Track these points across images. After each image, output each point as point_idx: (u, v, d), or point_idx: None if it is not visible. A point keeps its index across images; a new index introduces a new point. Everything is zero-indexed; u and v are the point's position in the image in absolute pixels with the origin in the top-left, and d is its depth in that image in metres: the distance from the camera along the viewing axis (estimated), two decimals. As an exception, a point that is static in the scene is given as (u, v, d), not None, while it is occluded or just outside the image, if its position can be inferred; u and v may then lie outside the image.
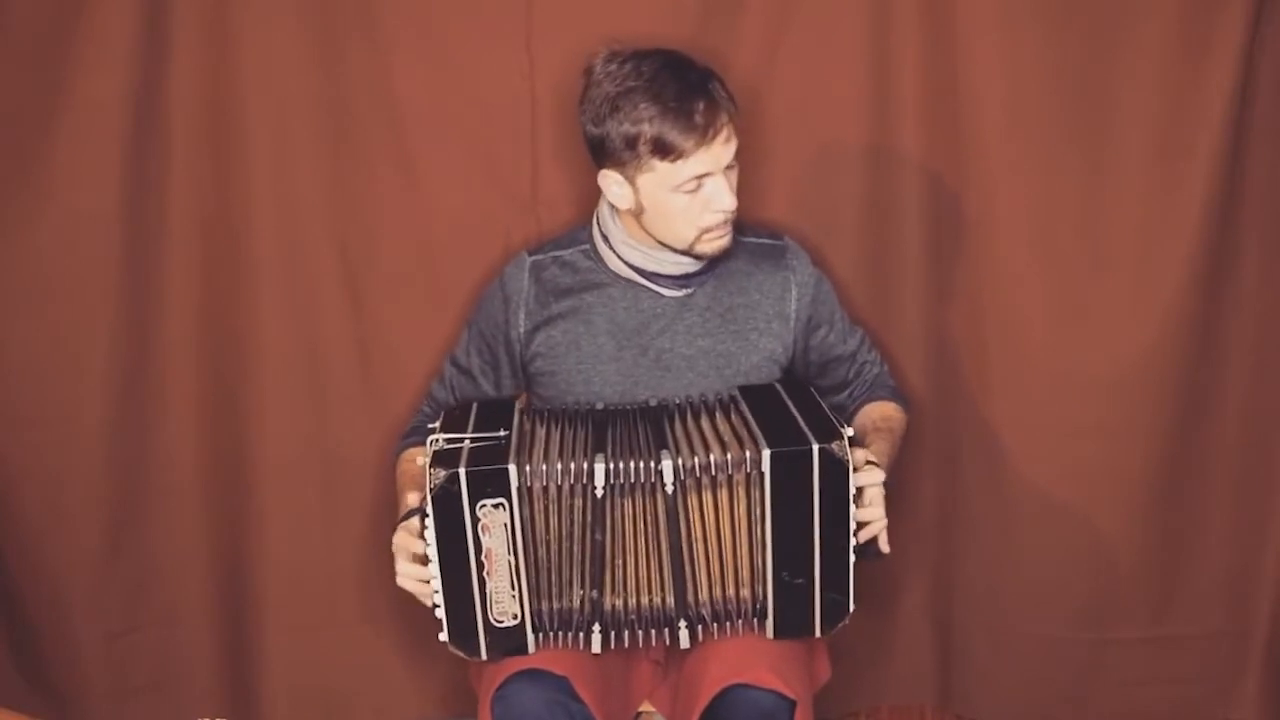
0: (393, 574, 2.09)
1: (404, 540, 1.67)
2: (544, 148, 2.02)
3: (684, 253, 1.79)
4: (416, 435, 1.93)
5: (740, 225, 1.91)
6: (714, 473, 1.60)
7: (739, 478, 1.60)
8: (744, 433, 1.65)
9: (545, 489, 1.60)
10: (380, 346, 2.08)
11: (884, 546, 1.68)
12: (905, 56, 2.00)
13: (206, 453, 2.09)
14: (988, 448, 2.07)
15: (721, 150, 1.72)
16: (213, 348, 2.06)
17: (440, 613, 1.62)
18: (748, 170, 2.03)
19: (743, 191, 2.02)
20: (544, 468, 1.60)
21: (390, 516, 2.07)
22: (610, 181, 1.77)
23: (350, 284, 2.07)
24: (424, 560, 1.63)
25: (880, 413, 1.91)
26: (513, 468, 1.58)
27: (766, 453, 1.58)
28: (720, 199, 1.73)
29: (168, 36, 1.95)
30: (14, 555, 2.08)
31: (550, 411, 1.77)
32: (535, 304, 1.84)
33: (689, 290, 1.83)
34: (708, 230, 1.76)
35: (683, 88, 1.69)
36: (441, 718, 2.19)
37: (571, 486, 1.61)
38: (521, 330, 1.85)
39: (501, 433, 1.65)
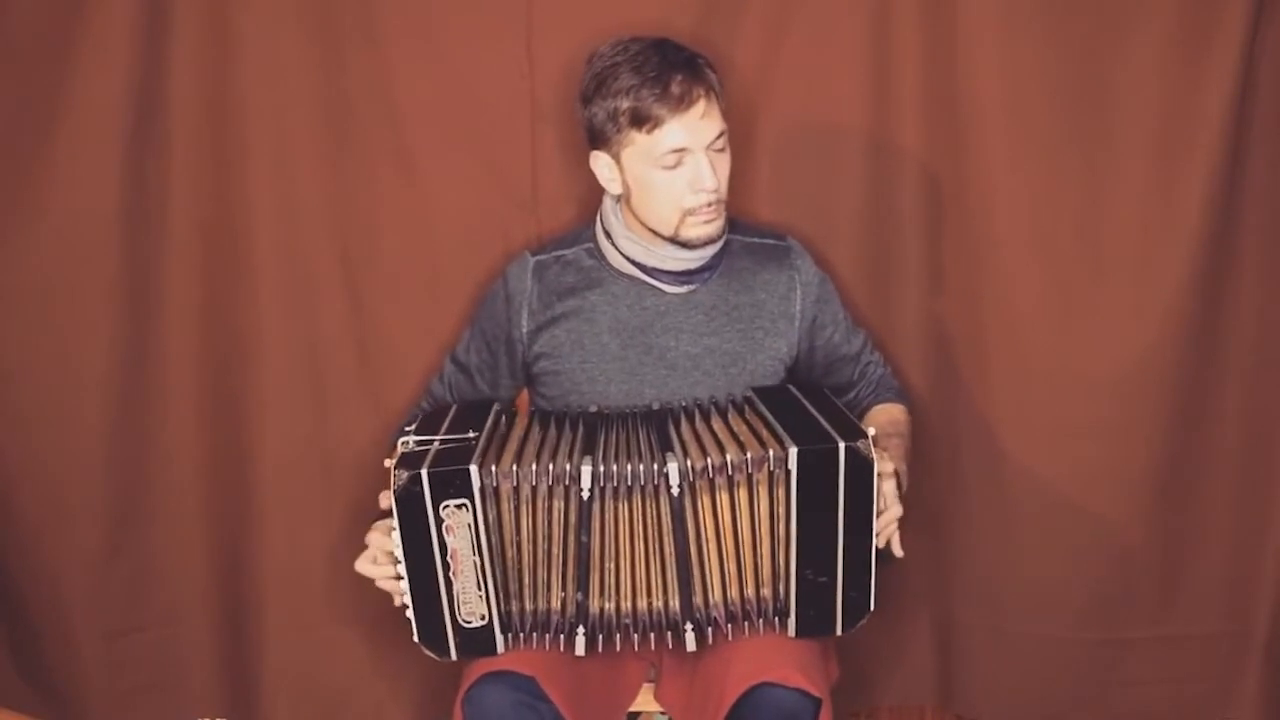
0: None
1: (375, 539, 1.68)
2: (544, 148, 2.02)
3: (671, 239, 1.78)
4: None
5: (743, 225, 1.92)
6: (731, 472, 1.60)
7: (760, 476, 1.60)
8: (765, 432, 1.65)
9: (517, 490, 1.60)
10: (380, 346, 2.08)
11: (897, 550, 1.68)
12: (905, 56, 2.00)
13: (206, 453, 2.09)
14: (988, 447, 2.07)
15: (700, 125, 1.72)
16: (213, 348, 2.06)
17: (410, 613, 1.62)
18: (747, 170, 2.04)
19: (743, 191, 2.04)
20: (515, 469, 1.60)
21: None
22: (600, 164, 1.80)
23: (350, 284, 2.07)
24: (393, 559, 1.63)
25: (889, 416, 1.91)
26: (474, 468, 1.58)
27: (794, 450, 1.58)
28: (702, 178, 1.73)
29: (168, 37, 1.95)
30: (14, 555, 2.08)
31: (540, 414, 1.77)
32: (538, 304, 1.85)
33: (691, 287, 1.83)
34: (691, 213, 1.75)
35: (664, 62, 1.73)
36: (441, 716, 2.19)
37: (551, 488, 1.61)
38: (524, 331, 1.85)
39: (471, 434, 1.66)
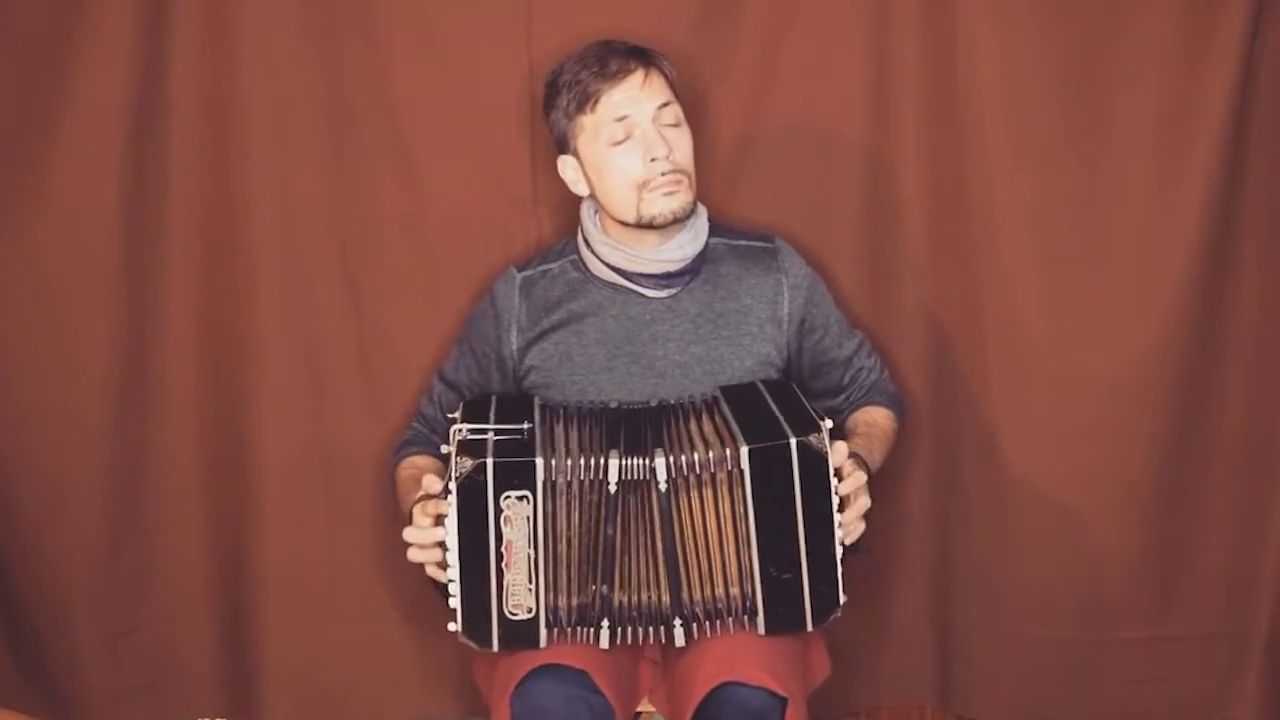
0: (392, 573, 2.10)
1: (422, 507, 1.67)
2: (544, 148, 2.02)
3: (637, 225, 1.78)
4: (409, 448, 1.94)
5: (729, 229, 1.92)
6: (699, 471, 1.62)
7: (721, 476, 1.62)
8: (725, 431, 1.66)
9: (568, 484, 1.61)
10: (380, 346, 2.08)
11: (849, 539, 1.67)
12: (905, 56, 2.00)
13: (206, 453, 2.09)
14: (987, 447, 2.07)
15: (640, 93, 1.75)
16: (213, 348, 2.06)
17: (455, 602, 1.62)
18: (747, 171, 2.04)
19: (742, 192, 2.04)
20: (568, 463, 1.61)
21: (390, 518, 2.08)
22: (566, 168, 1.84)
23: (350, 284, 2.06)
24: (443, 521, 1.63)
25: (867, 418, 1.91)
26: (540, 461, 1.59)
27: (744, 449, 1.59)
28: (651, 146, 1.75)
29: (168, 36, 1.95)
30: (14, 555, 2.08)
31: (565, 408, 1.78)
32: (527, 320, 1.85)
33: (673, 291, 1.84)
34: (646, 186, 1.76)
35: (604, 50, 1.78)
36: (442, 717, 2.19)
37: (588, 482, 1.62)
38: (514, 348, 1.85)
39: (525, 425, 1.66)
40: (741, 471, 1.60)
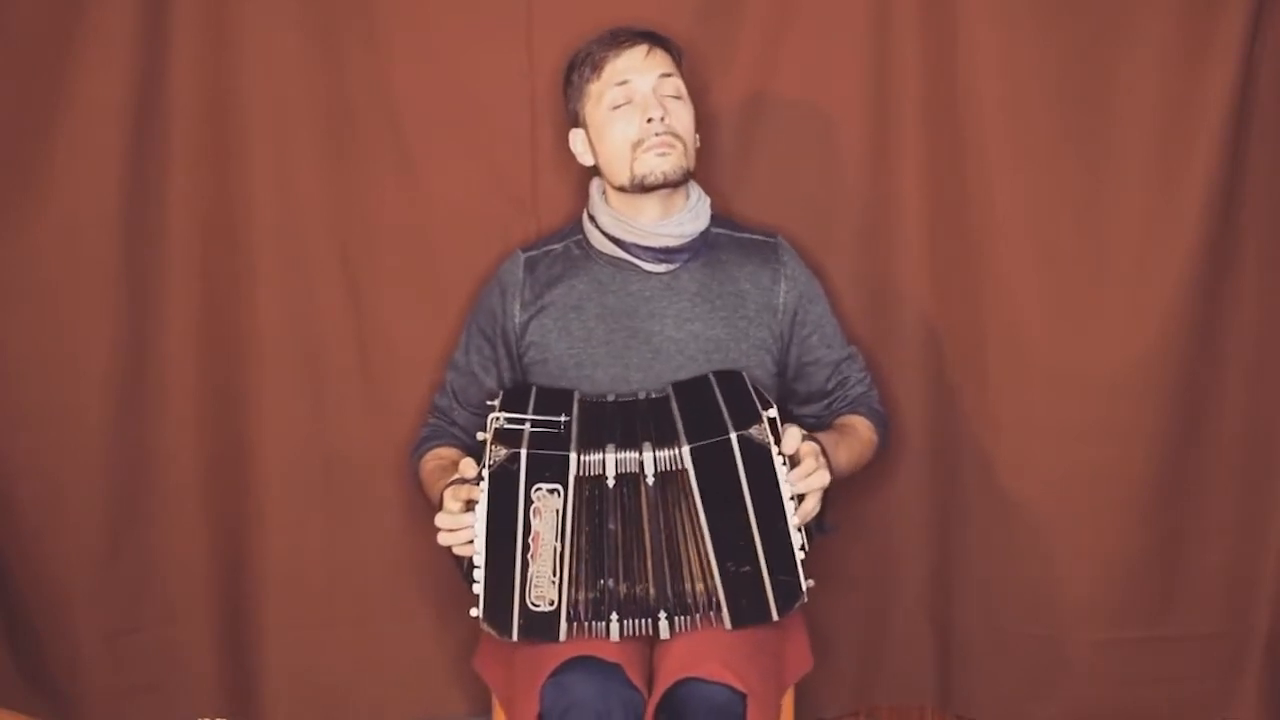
0: (392, 573, 2.10)
1: (454, 492, 1.68)
2: (544, 147, 2.03)
3: (630, 186, 1.81)
4: (428, 443, 1.95)
5: (733, 222, 1.94)
6: (658, 469, 1.63)
7: (671, 475, 1.63)
8: (672, 430, 1.67)
9: (594, 479, 1.63)
10: (380, 346, 2.08)
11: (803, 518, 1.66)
12: (905, 56, 2.00)
13: (206, 453, 2.09)
14: (987, 447, 2.07)
15: (643, 63, 1.81)
16: (213, 348, 2.06)
17: (478, 588, 1.63)
18: (746, 171, 2.05)
19: (742, 191, 2.04)
20: (596, 458, 1.62)
21: (393, 518, 2.08)
22: (576, 140, 1.88)
23: (350, 284, 2.07)
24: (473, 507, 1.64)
25: (843, 421, 1.92)
26: (574, 456, 1.60)
27: (686, 449, 1.60)
28: (647, 108, 1.79)
29: (168, 37, 1.96)
30: (14, 555, 2.08)
31: (587, 402, 1.78)
32: (530, 295, 1.87)
33: (672, 267, 1.85)
34: (640, 145, 1.79)
35: (619, 29, 1.83)
36: (442, 717, 2.19)
37: (596, 476, 1.63)
38: (517, 321, 1.87)
39: (563, 418, 1.67)
40: (686, 470, 1.61)
